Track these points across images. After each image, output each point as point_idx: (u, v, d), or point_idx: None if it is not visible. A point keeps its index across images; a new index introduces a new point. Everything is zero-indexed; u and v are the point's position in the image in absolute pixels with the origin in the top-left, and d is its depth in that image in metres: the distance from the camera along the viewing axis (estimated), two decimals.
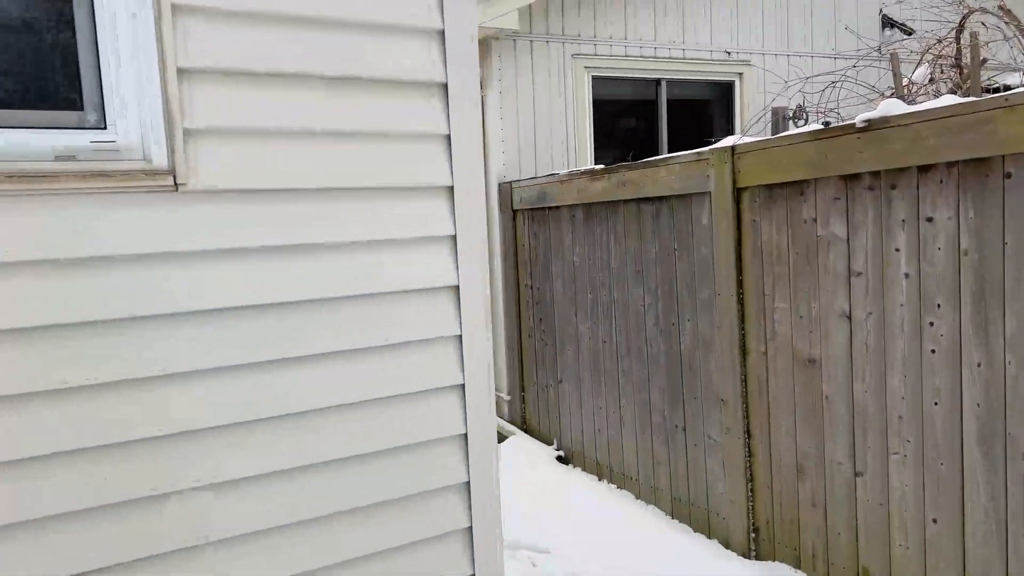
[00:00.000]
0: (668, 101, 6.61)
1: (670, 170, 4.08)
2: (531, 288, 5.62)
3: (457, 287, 2.09)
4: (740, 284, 3.74)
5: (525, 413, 5.87)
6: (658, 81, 6.55)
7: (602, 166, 4.71)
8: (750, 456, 3.81)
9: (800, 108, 5.96)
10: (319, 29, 1.88)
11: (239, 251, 1.84)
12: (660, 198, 4.23)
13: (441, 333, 2.10)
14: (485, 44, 5.82)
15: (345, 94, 1.92)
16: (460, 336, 2.12)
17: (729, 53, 6.74)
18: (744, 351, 3.77)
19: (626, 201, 4.52)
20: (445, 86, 2.06)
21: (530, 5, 5.86)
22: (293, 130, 1.88)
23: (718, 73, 6.76)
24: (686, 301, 4.12)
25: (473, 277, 2.09)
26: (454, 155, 2.07)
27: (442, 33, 2.03)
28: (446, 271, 2.09)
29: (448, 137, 2.08)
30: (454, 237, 2.08)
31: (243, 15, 1.80)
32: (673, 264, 4.19)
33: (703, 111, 7.05)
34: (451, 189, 2.09)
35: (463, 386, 2.13)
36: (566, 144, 6.08)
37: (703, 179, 3.87)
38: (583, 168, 4.92)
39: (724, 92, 6.93)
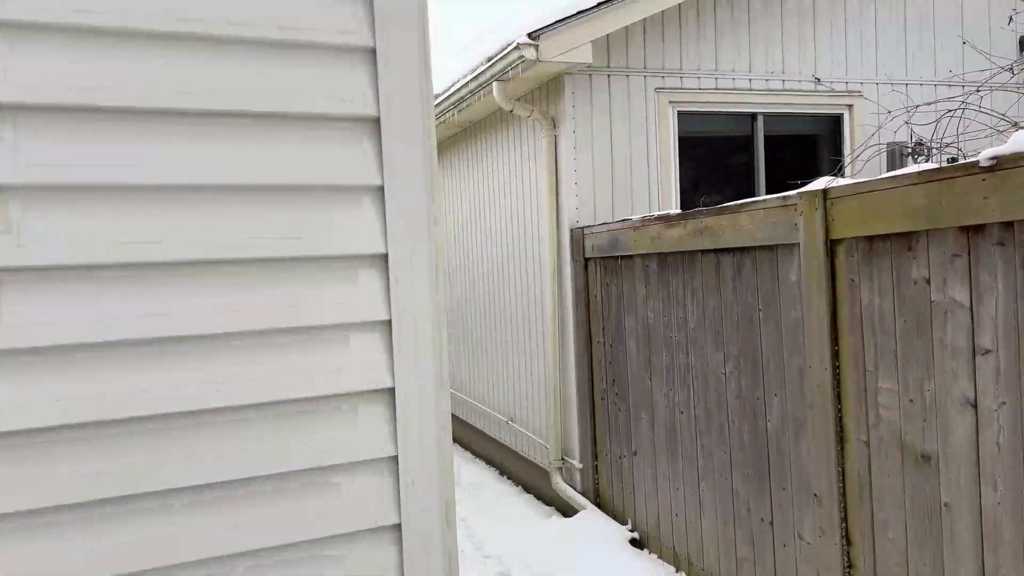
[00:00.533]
0: (766, 137, 5.95)
1: (752, 217, 3.48)
2: (604, 345, 5.06)
3: (392, 389, 1.58)
4: (836, 356, 3.07)
5: (598, 485, 5.27)
6: (753, 116, 5.91)
7: (677, 211, 4.14)
8: (850, 567, 3.10)
9: (920, 143, 5.19)
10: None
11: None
12: (742, 249, 3.62)
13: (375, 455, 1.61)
14: (558, 80, 5.38)
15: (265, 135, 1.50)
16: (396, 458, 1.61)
17: (830, 83, 6.03)
18: (841, 438, 3.09)
19: (704, 252, 3.92)
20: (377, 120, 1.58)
21: (607, 37, 5.40)
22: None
23: (823, 105, 6.06)
24: (772, 372, 3.47)
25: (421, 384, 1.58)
26: (388, 220, 1.55)
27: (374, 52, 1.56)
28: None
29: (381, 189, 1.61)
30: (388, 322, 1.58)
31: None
32: (757, 327, 3.56)
33: (808, 148, 6.33)
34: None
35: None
36: (648, 186, 5.53)
37: (790, 228, 3.24)
38: (657, 213, 4.36)
39: (832, 126, 6.20)
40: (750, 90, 5.86)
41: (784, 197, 3.28)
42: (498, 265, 6.73)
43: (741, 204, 3.56)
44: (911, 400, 2.74)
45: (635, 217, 4.59)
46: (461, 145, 7.43)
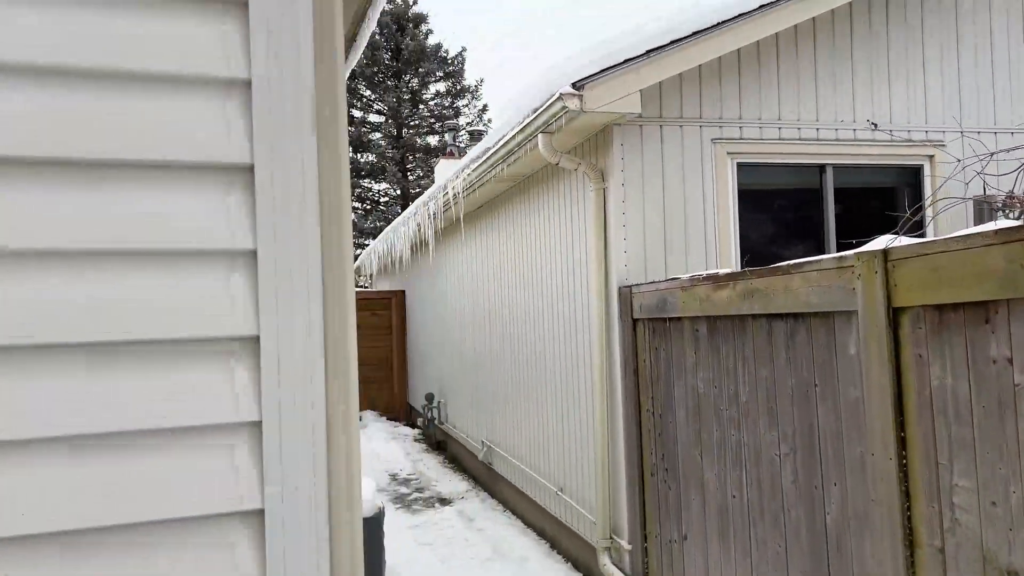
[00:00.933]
0: (836, 191, 5.50)
1: (805, 279, 3.07)
2: (653, 415, 4.65)
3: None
4: (902, 444, 2.62)
5: (648, 569, 4.80)
6: (822, 167, 5.48)
7: (727, 271, 3.76)
8: None
9: (1012, 195, 4.66)
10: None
11: None
12: (795, 315, 3.21)
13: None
14: (606, 131, 5.11)
15: None
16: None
17: (907, 131, 5.55)
18: (911, 542, 2.61)
19: (755, 316, 3.52)
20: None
21: (660, 85, 5.11)
22: None
23: (900, 156, 5.57)
24: (831, 458, 3.02)
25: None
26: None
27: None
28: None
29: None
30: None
31: None
32: (813, 405, 3.12)
33: (884, 202, 5.83)
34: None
35: None
36: (705, 242, 5.15)
37: (847, 293, 2.83)
38: (705, 273, 3.98)
39: (910, 179, 5.70)
40: (817, 140, 5.44)
41: (840, 258, 2.88)
42: (545, 322, 6.42)
43: (793, 265, 3.17)
44: (993, 503, 2.27)
45: (683, 276, 4.22)
46: (514, 200, 7.22)
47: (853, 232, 5.43)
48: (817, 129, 5.44)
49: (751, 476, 3.60)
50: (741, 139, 5.30)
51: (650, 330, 4.65)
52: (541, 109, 5.03)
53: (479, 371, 8.90)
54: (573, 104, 4.66)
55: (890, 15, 5.62)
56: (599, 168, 5.21)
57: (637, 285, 4.80)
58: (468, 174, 6.99)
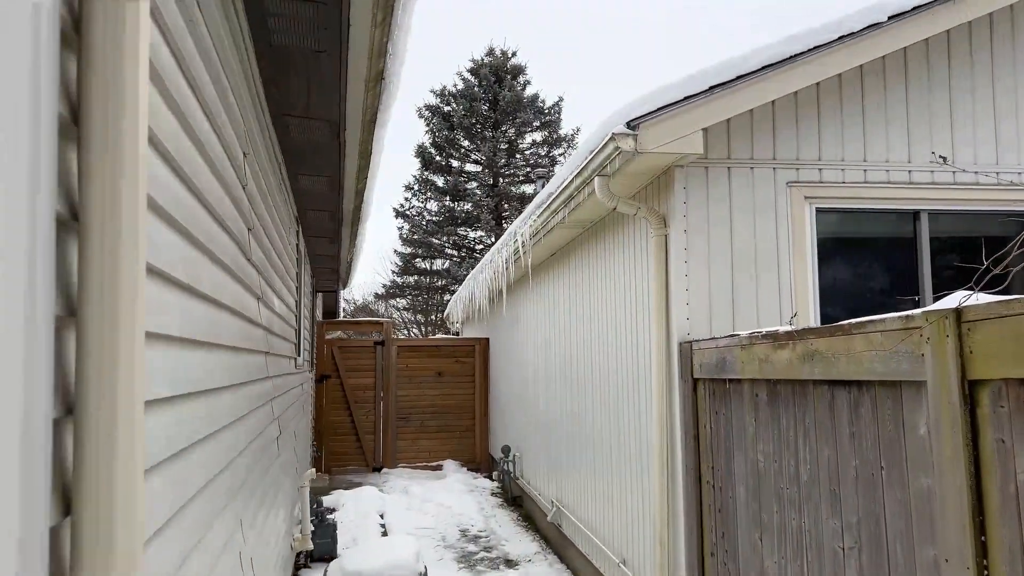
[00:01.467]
0: (933, 239, 4.90)
1: (868, 342, 2.60)
2: (713, 488, 4.16)
3: None
4: (983, 552, 2.10)
5: None
6: (916, 214, 4.90)
7: (787, 328, 3.29)
8: None
9: None
10: None
11: None
12: (859, 383, 2.73)
13: None
14: (668, 173, 4.74)
15: None
16: None
17: (1018, 173, 4.90)
18: None
19: (816, 383, 3.04)
20: None
21: (728, 123, 4.71)
22: None
23: (1008, 202, 4.92)
24: (900, 560, 2.50)
25: None
26: None
27: None
28: None
29: None
30: None
31: None
32: (879, 492, 2.61)
33: (993, 253, 5.15)
34: None
35: None
36: (779, 296, 4.65)
37: (915, 361, 2.35)
38: (764, 330, 3.52)
39: (1021, 228, 5.03)
40: (910, 183, 4.88)
41: (906, 317, 2.40)
42: (607, 380, 6.00)
43: (855, 324, 2.70)
44: None
45: (743, 333, 3.76)
46: (580, 248, 6.89)
47: (954, 287, 4.80)
48: (909, 171, 4.89)
49: (812, 570, 3.07)
50: (820, 183, 4.81)
51: (710, 392, 4.19)
52: (596, 151, 4.72)
53: (548, 427, 8.51)
54: (627, 144, 4.33)
55: (995, 45, 5.03)
56: (660, 213, 4.83)
57: (697, 341, 4.36)
58: (533, 220, 6.73)
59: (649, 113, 4.33)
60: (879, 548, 2.61)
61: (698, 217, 4.66)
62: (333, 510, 10.09)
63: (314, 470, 6.32)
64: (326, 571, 5.09)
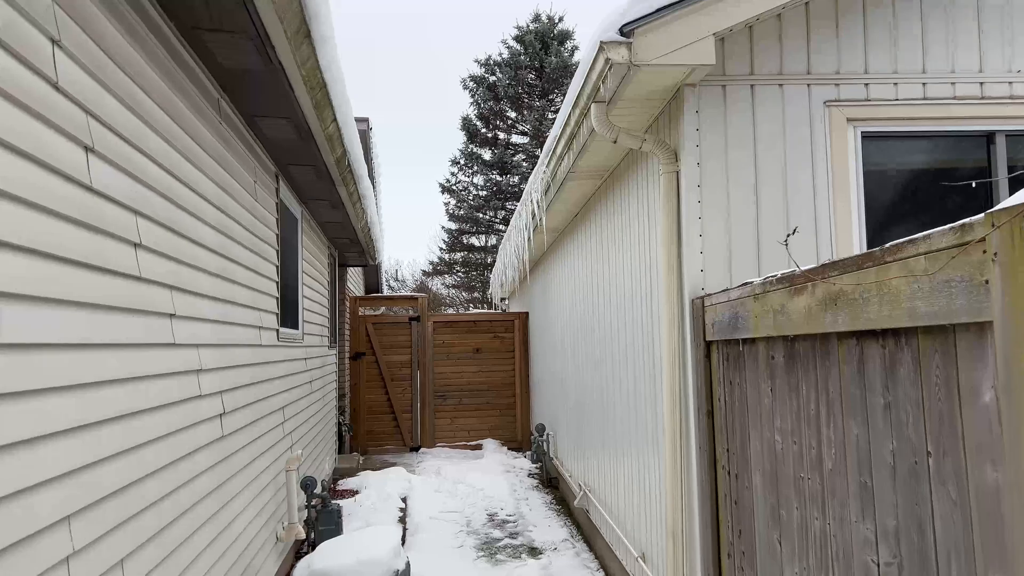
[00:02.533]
0: (1011, 168, 3.95)
1: (907, 270, 1.79)
2: (729, 475, 3.37)
3: None
4: None
5: None
6: (989, 136, 3.96)
7: (804, 268, 2.48)
8: None
9: None
10: None
11: None
12: (896, 333, 1.92)
13: None
14: (678, 97, 3.91)
15: None
16: None
17: None
18: None
19: (841, 336, 2.23)
20: None
21: (750, 30, 3.86)
22: None
23: None
24: None
25: None
26: None
27: None
28: None
29: None
30: None
31: None
32: (925, 488, 1.81)
33: None
34: None
35: None
36: (815, 240, 3.80)
37: (973, 292, 1.54)
38: (780, 273, 2.71)
39: None
40: (982, 99, 3.94)
41: (961, 228, 1.59)
42: (620, 348, 5.23)
43: (888, 249, 1.88)
44: None
45: (756, 280, 2.95)
46: (597, 205, 6.09)
47: None
48: (981, 84, 3.94)
49: None
50: (867, 101, 3.91)
51: (723, 356, 3.39)
52: (588, 70, 3.93)
53: (575, 403, 7.77)
54: (620, 55, 3.52)
55: None
56: (670, 146, 4.01)
57: (710, 296, 3.56)
58: (543, 173, 5.96)
59: (645, 16, 3.51)
60: (925, 566, 1.81)
61: (714, 146, 3.83)
62: (356, 492, 9.59)
63: (299, 453, 5.73)
64: (293, 566, 4.49)
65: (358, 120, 12.66)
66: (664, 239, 3.97)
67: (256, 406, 4.85)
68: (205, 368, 3.58)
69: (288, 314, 6.32)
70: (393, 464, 11.80)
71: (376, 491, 9.45)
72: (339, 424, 11.61)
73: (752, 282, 2.94)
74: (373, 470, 11.04)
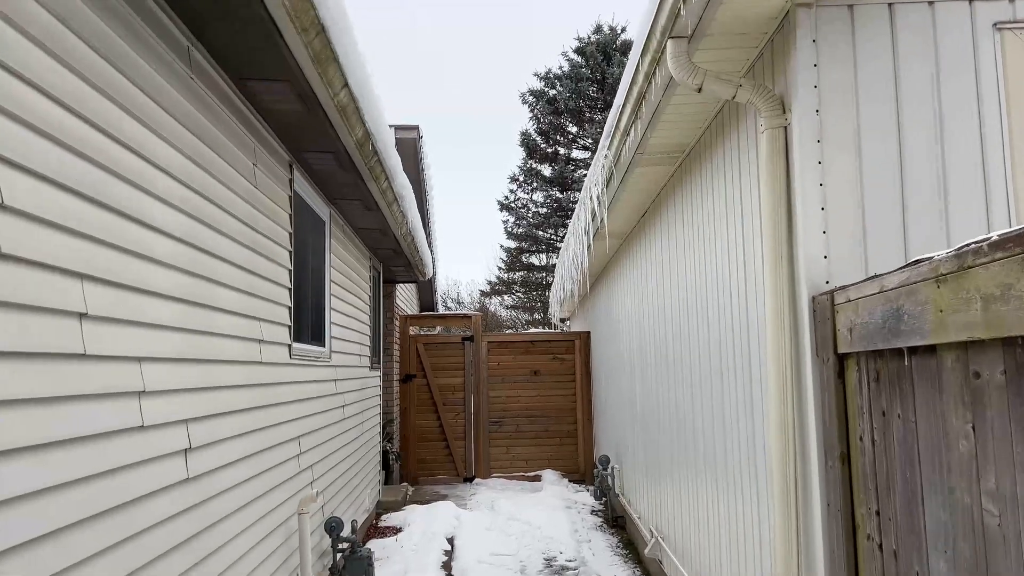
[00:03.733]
0: None
1: None
2: (879, 549, 2.28)
3: None
4: None
5: None
6: None
7: None
8: None
9: None
10: None
11: None
12: None
13: None
14: (784, 26, 2.89)
15: None
16: None
17: None
18: None
19: None
20: None
21: None
22: None
23: None
24: None
25: None
26: None
27: None
28: None
29: None
30: None
31: None
32: None
33: None
34: None
35: None
36: (985, 207, 2.72)
37: None
38: (997, 235, 1.66)
39: None
40: None
41: None
42: (703, 367, 4.17)
43: None
44: None
45: (939, 255, 1.89)
46: (668, 197, 5.06)
47: None
48: None
49: None
50: None
51: (870, 374, 2.32)
52: None
53: (644, 434, 6.69)
54: None
55: None
56: (775, 93, 2.98)
57: (844, 289, 2.50)
58: (605, 158, 4.97)
59: None
60: None
61: (838, 87, 2.79)
62: (399, 530, 8.66)
63: (316, 492, 4.82)
64: None
65: (408, 128, 11.91)
66: (768, 218, 2.93)
67: (255, 437, 3.96)
68: (152, 390, 2.68)
69: (308, 328, 5.45)
70: (444, 496, 10.85)
71: (421, 529, 8.50)
72: (386, 452, 10.74)
73: (933, 257, 1.88)
74: (422, 503, 10.10)
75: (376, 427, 9.43)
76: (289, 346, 4.75)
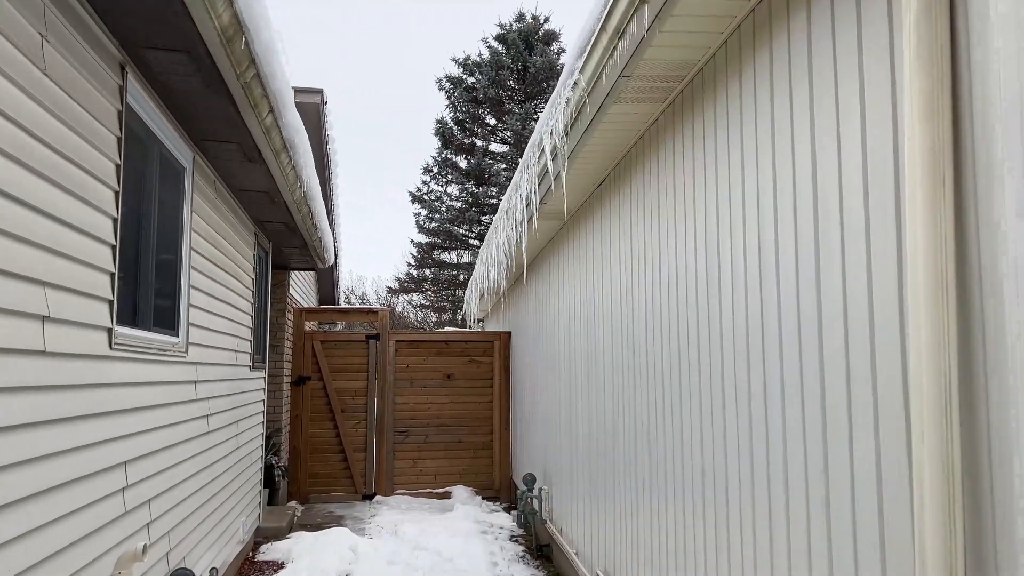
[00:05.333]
0: None
1: None
2: None
3: None
4: None
5: None
6: None
7: None
8: None
9: None
10: None
11: None
12: None
13: None
14: None
15: None
16: None
17: None
18: None
19: None
20: None
21: None
22: None
23: None
24: None
25: None
26: None
27: None
28: None
29: None
30: None
31: None
32: None
33: None
34: None
35: None
36: None
37: None
38: None
39: None
40: None
41: None
42: (730, 380, 2.90)
43: None
44: None
45: None
46: (656, 141, 3.79)
47: None
48: None
49: None
50: None
51: None
52: None
53: (594, 457, 5.40)
54: None
55: None
56: None
57: None
58: (573, 88, 3.65)
59: None
60: None
61: None
62: (281, 565, 7.09)
63: (144, 545, 3.29)
64: None
65: (310, 91, 10.32)
66: (919, 137, 1.66)
67: (38, 469, 2.44)
68: None
69: (151, 310, 3.91)
70: (340, 518, 9.31)
71: (308, 564, 6.96)
72: (270, 467, 9.11)
73: None
74: (312, 527, 8.54)
75: (258, 439, 7.82)
76: (109, 330, 3.22)
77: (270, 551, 7.50)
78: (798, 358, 2.33)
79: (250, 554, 7.37)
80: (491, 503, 10.54)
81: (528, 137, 22.69)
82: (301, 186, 5.83)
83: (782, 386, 2.43)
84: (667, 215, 3.62)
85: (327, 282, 15.19)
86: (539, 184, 4.81)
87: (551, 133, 4.05)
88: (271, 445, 9.32)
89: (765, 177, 2.57)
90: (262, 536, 7.91)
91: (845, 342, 2.07)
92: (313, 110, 10.22)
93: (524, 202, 5.24)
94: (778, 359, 2.47)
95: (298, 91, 9.68)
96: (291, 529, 8.44)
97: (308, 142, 5.76)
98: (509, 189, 6.06)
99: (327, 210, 10.38)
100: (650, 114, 3.74)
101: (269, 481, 9.11)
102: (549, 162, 4.25)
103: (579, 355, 5.90)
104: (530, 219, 5.39)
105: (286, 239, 7.96)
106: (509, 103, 23.46)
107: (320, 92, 10.49)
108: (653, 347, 3.87)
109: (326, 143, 11.05)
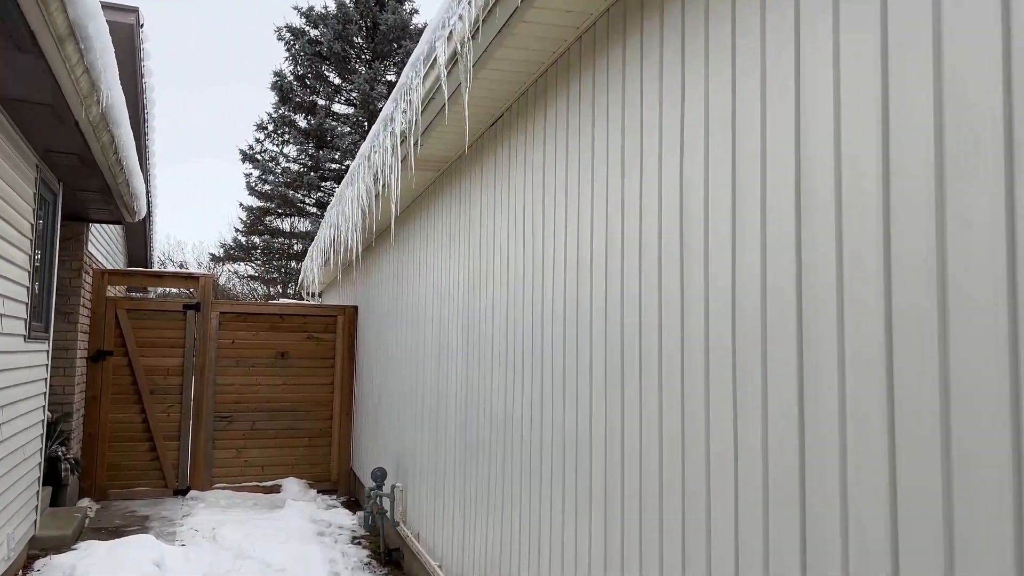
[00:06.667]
0: None
1: None
2: None
3: None
4: None
5: None
6: None
7: None
8: None
9: None
10: None
11: None
12: None
13: None
14: None
15: None
16: None
17: None
18: None
19: None
20: None
21: None
22: None
23: None
24: None
25: None
26: None
27: None
28: None
29: None
30: None
31: None
32: None
33: None
34: None
35: None
36: None
37: None
38: None
39: None
40: None
41: None
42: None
43: None
44: None
45: None
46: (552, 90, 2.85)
47: None
48: None
49: None
50: None
51: None
52: None
53: (471, 457, 4.43)
54: None
55: None
56: None
57: None
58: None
59: None
60: None
61: None
62: None
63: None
64: None
65: (123, 8, 8.56)
66: None
67: None
68: None
69: None
70: (144, 519, 7.81)
71: None
72: (55, 460, 7.44)
73: None
74: (108, 533, 7.04)
75: (37, 426, 6.22)
76: None
77: (47, 569, 5.96)
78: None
79: (18, 574, 5.81)
80: (328, 496, 9.36)
81: (374, 100, 21.17)
82: (98, 100, 4.41)
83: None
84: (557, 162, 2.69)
85: (138, 242, 13.18)
86: (423, 110, 3.75)
87: (450, 33, 3.01)
88: (57, 433, 7.63)
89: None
90: (39, 548, 6.34)
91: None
92: (126, 32, 8.46)
93: (399, 138, 4.16)
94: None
95: (106, 7, 7.93)
96: (79, 537, 6.89)
97: (111, 45, 4.36)
98: (375, 127, 4.93)
99: (139, 155, 8.70)
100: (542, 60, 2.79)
101: (54, 477, 7.46)
102: (444, 75, 3.20)
103: (450, 337, 4.90)
104: (404, 159, 4.30)
105: (83, 179, 6.35)
106: (356, 62, 21.85)
107: (136, 12, 8.72)
108: (556, 328, 2.95)
109: (141, 76, 9.27)
